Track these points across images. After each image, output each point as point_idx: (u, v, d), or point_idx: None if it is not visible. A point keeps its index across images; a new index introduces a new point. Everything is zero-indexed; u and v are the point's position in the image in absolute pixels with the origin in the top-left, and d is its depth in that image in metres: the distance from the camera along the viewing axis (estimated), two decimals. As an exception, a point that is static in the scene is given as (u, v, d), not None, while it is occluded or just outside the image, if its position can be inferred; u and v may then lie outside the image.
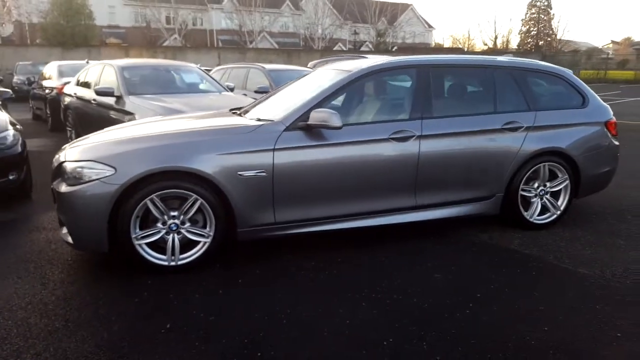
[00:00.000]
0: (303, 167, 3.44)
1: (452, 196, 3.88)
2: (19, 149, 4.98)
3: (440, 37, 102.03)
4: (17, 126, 5.31)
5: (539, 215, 4.16)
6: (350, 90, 3.80)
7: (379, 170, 3.62)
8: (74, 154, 3.38)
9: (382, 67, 3.81)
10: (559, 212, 4.20)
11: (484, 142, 3.87)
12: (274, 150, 3.35)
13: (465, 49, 48.76)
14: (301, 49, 32.82)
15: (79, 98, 7.82)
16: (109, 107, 6.60)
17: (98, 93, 6.56)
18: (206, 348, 2.45)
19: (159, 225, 3.25)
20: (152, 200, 3.16)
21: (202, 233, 3.31)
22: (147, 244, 3.24)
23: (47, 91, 10.60)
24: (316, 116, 3.37)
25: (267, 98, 4.41)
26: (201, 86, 7.32)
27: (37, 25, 27.19)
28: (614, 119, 4.42)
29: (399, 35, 43.13)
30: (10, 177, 4.82)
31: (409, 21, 45.11)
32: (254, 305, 2.87)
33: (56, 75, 10.75)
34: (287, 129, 3.42)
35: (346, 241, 3.83)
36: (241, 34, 34.51)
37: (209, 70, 9.43)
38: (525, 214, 4.09)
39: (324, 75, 4.04)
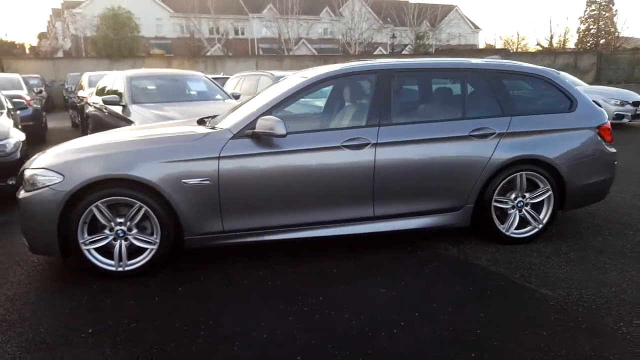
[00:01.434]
0: (250, 176, 3.38)
1: (414, 207, 3.68)
2: (18, 155, 5.22)
3: (490, 38, 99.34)
4: (20, 134, 5.56)
5: (517, 228, 3.88)
6: (301, 98, 3.69)
7: (331, 179, 3.50)
8: (34, 161, 3.48)
9: (339, 73, 3.69)
10: (540, 226, 3.90)
11: (448, 150, 3.65)
12: (219, 158, 3.31)
13: (514, 50, 46.99)
14: (338, 55, 32.79)
15: (95, 106, 8.15)
16: (116, 116, 6.83)
17: (105, 102, 6.81)
18: (113, 354, 2.43)
19: (107, 231, 3.29)
20: (97, 207, 3.20)
21: (149, 240, 3.32)
22: (97, 249, 3.29)
23: (78, 100, 11.14)
24: (262, 124, 3.30)
25: (240, 106, 4.38)
26: (205, 95, 7.43)
27: (90, 38, 28.74)
28: (608, 124, 4.07)
29: (442, 37, 42.21)
30: (9, 182, 5.06)
31: (451, 22, 44.02)
32: (181, 314, 2.84)
33: (87, 85, 11.28)
34: (234, 136, 3.37)
35: (309, 250, 3.73)
36: (280, 41, 34.98)
37: (220, 79, 9.58)
38: (500, 227, 3.83)
39: (289, 82, 3.97)
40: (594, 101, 4.24)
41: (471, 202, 3.75)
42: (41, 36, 62.33)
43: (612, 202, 5.05)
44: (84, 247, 3.24)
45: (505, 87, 3.88)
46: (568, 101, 4.00)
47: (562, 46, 46.72)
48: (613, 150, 4.10)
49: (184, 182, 3.26)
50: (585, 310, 2.85)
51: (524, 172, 3.78)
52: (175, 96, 7.17)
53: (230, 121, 3.55)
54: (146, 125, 4.58)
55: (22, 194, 3.30)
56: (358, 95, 4.07)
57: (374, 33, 39.17)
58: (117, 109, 6.83)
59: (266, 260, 3.58)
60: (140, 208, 3.24)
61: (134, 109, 6.47)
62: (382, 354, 2.42)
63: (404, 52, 37.54)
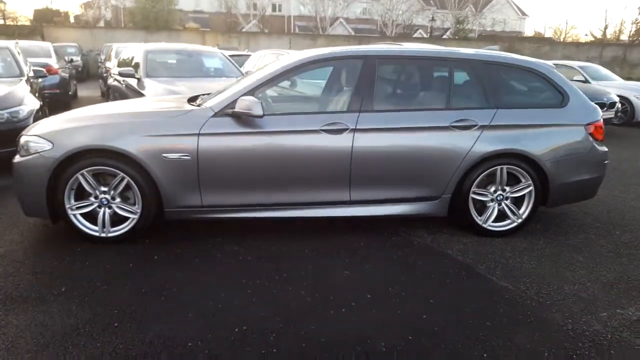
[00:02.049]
0: (229, 154, 3.50)
1: (391, 194, 3.74)
2: (31, 122, 5.49)
3: (539, 26, 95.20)
4: (35, 102, 5.84)
5: (496, 221, 3.89)
6: (290, 79, 3.77)
7: (308, 162, 3.59)
8: (30, 129, 3.71)
9: (324, 57, 3.74)
10: (519, 221, 3.89)
11: (428, 140, 3.67)
12: (198, 135, 3.44)
13: (561, 40, 45.09)
14: (373, 36, 32.33)
15: (115, 78, 8.42)
16: (132, 88, 7.06)
17: (121, 74, 7.05)
18: (77, 312, 2.64)
19: (92, 199, 3.49)
20: (83, 175, 3.40)
21: (131, 210, 3.51)
22: (84, 215, 3.51)
23: (105, 70, 11.51)
24: (241, 104, 3.41)
25: (231, 85, 4.48)
26: (220, 71, 7.57)
27: (128, 9, 29.31)
28: (600, 122, 3.98)
29: (485, 22, 40.89)
30: (23, 147, 5.36)
31: (493, 7, 42.47)
32: (150, 280, 3.02)
33: (114, 56, 11.61)
34: (215, 115, 3.49)
35: (288, 230, 3.85)
36: (316, 20, 34.74)
37: (244, 56, 9.70)
38: (477, 218, 3.84)
39: (280, 62, 4.04)
40: (620, 97, 4.14)
41: (449, 193, 3.78)
42: (86, 5, 63.93)
43: (610, 202, 4.97)
44: (70, 212, 3.46)
45: (493, 79, 3.84)
46: (560, 96, 3.93)
47: (617, 37, 44.39)
48: (604, 149, 4.02)
49: (164, 156, 3.41)
50: (538, 305, 2.88)
51: (504, 166, 3.76)
52: (190, 72, 7.34)
53: (215, 100, 3.67)
54: (141, 99, 4.76)
55: (17, 158, 3.53)
56: (343, 81, 4.11)
57: (413, 15, 38.31)
58: (133, 82, 7.06)
59: (245, 236, 3.73)
60: (122, 179, 3.43)
61: (147, 83, 6.68)
62: (322, 332, 2.54)
63: (444, 37, 36.59)
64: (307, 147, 3.58)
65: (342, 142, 3.56)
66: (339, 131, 3.56)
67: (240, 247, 3.57)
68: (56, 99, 8.87)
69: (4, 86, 5.52)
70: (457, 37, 32.92)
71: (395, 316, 2.71)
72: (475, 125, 3.70)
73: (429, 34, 37.52)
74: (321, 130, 3.54)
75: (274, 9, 40.05)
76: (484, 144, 3.70)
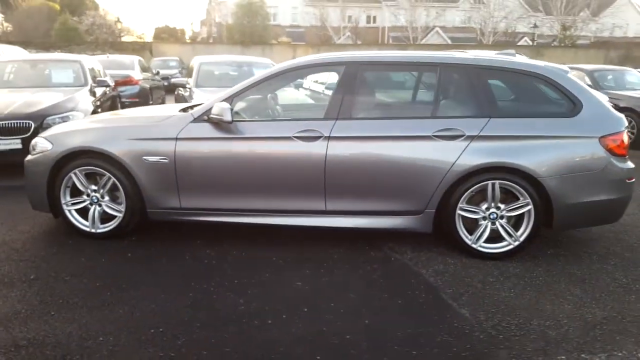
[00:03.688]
0: (204, 158, 3.58)
1: (369, 205, 3.56)
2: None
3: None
4: (88, 109, 6.43)
5: (488, 242, 3.52)
6: (269, 86, 3.76)
7: (282, 169, 3.54)
8: (45, 132, 4.11)
9: (304, 64, 3.68)
10: (516, 243, 3.48)
11: (407, 150, 3.43)
12: (176, 139, 3.57)
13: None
14: (469, 44, 31.03)
15: (178, 89, 9.04)
16: (184, 98, 7.54)
17: (174, 85, 7.55)
18: (29, 298, 2.86)
19: (84, 196, 3.77)
20: (75, 174, 3.69)
21: (117, 209, 3.73)
22: (78, 211, 3.80)
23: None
24: (215, 110, 3.48)
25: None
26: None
27: (226, 26, 31.29)
28: (621, 134, 3.44)
29: (604, 27, 37.22)
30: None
31: (613, 11, 38.50)
32: (109, 276, 3.18)
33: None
34: (194, 120, 3.60)
35: (267, 236, 3.83)
36: (411, 30, 34.23)
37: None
38: (465, 238, 3.50)
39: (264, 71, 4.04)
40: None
41: (432, 207, 3.49)
42: (202, 23, 69.69)
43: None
44: (65, 208, 3.77)
45: (487, 86, 3.50)
46: (570, 105, 3.46)
47: None
48: (627, 165, 3.47)
49: (144, 159, 3.58)
50: (486, 338, 2.55)
51: (497, 181, 3.40)
52: (238, 81, 7.60)
53: (199, 106, 3.77)
54: (142, 108, 5.06)
55: (27, 157, 3.93)
56: (325, 87, 4.01)
57: (515, 22, 36.15)
58: (186, 92, 7.53)
59: (222, 241, 3.76)
60: (109, 179, 3.66)
61: (196, 93, 7.07)
62: (230, 341, 2.48)
63: (554, 44, 33.98)
64: (280, 154, 3.54)
65: (315, 149, 3.47)
66: (313, 138, 3.47)
67: (213, 250, 3.61)
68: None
69: (60, 94, 6.19)
70: (562, 45, 30.48)
71: (315, 333, 2.56)
72: (462, 136, 3.39)
73: (532, 42, 35.12)
74: (294, 137, 3.48)
75: (368, 21, 40.22)
76: (472, 156, 3.37)
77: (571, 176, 3.39)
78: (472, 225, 3.53)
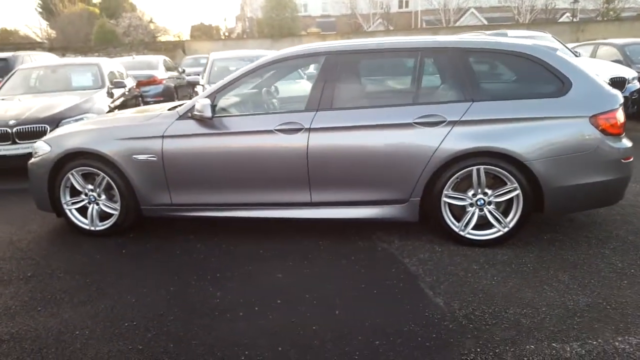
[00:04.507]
0: (190, 154, 3.65)
1: (354, 196, 3.53)
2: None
3: None
4: (102, 111, 6.66)
5: (477, 229, 3.42)
6: (251, 80, 3.77)
7: (266, 163, 3.56)
8: (47, 135, 4.31)
9: (284, 57, 3.68)
10: (505, 229, 3.37)
11: (387, 139, 3.37)
12: (163, 137, 3.65)
13: None
14: (505, 24, 29.87)
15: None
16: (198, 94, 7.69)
17: (189, 83, 7.71)
18: (22, 294, 3.02)
19: (83, 196, 3.93)
20: (72, 175, 3.85)
21: (113, 207, 3.87)
22: (78, 210, 3.97)
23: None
24: (197, 107, 3.54)
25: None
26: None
27: (256, 20, 31.49)
28: (615, 112, 3.24)
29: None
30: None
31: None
32: (96, 272, 3.30)
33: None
34: (180, 118, 3.67)
35: (265, 231, 3.87)
36: (443, 12, 33.34)
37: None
38: (453, 225, 3.42)
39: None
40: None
41: (417, 196, 3.43)
42: (237, 19, 70.64)
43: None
44: (66, 207, 3.94)
45: (470, 69, 3.38)
46: (559, 83, 3.30)
47: None
48: (622, 145, 3.28)
49: (134, 158, 3.70)
50: (456, 327, 2.50)
51: (481, 167, 3.29)
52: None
53: (185, 104, 3.84)
54: (134, 109, 5.20)
55: (31, 160, 4.13)
56: (307, 79, 3.98)
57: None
58: (200, 88, 7.67)
59: (215, 235, 3.84)
60: (103, 178, 3.80)
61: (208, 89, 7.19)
62: (198, 334, 2.54)
63: (597, 19, 32.18)
64: (263, 148, 3.56)
65: (297, 141, 3.47)
66: (294, 131, 3.47)
67: (203, 245, 3.70)
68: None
69: (77, 97, 6.45)
70: (605, 19, 28.87)
71: (284, 326, 2.58)
72: (444, 122, 3.30)
73: (572, 18, 33.44)
74: (276, 130, 3.50)
75: (400, 6, 39.45)
76: (454, 142, 3.28)
77: (561, 158, 3.24)
78: (461, 213, 3.45)
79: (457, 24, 34.45)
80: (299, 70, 5.28)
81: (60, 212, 4.01)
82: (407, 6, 39.56)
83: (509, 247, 3.41)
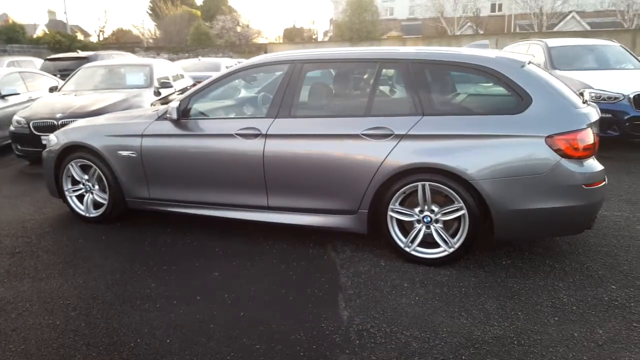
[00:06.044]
0: (162, 153, 3.93)
1: (307, 203, 3.58)
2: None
3: None
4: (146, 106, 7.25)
5: (427, 247, 3.32)
6: (222, 86, 3.95)
7: (228, 165, 3.73)
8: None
9: (252, 65, 3.81)
10: (451, 250, 3.24)
11: (337, 149, 3.38)
12: (142, 136, 3.97)
13: None
14: (607, 30, 27.39)
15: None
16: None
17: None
18: (2, 265, 3.49)
19: (81, 185, 4.38)
20: (71, 165, 4.31)
21: (104, 197, 4.27)
22: (77, 197, 4.43)
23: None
24: (169, 109, 3.81)
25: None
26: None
27: (336, 22, 31.80)
28: (578, 132, 2.98)
29: None
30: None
31: None
32: (75, 256, 3.67)
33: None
34: (158, 118, 3.97)
35: (235, 228, 4.06)
36: (536, 16, 31.34)
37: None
38: (398, 241, 3.35)
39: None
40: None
41: (365, 208, 3.41)
42: (330, 22, 72.07)
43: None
44: (67, 194, 4.42)
45: (424, 81, 3.28)
46: (518, 99, 3.10)
47: None
48: (585, 169, 3.01)
49: (119, 153, 4.06)
50: (341, 342, 2.49)
51: (427, 183, 3.20)
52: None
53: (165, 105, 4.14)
54: (138, 109, 5.59)
55: (44, 150, 4.66)
56: (269, 86, 4.06)
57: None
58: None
59: (188, 230, 4.08)
60: (95, 170, 4.21)
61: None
62: (111, 324, 2.77)
63: None
64: (225, 151, 3.74)
65: (254, 147, 3.61)
66: (252, 136, 3.61)
67: (170, 238, 3.95)
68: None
69: (122, 94, 7.10)
70: None
71: (187, 320, 2.74)
72: (390, 135, 3.25)
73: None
74: (236, 134, 3.66)
75: (492, 9, 37.68)
76: (399, 156, 3.22)
77: (512, 180, 3.05)
78: (412, 228, 3.37)
79: (556, 29, 32.27)
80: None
81: (64, 199, 4.49)
82: (500, 10, 37.70)
83: (456, 268, 3.27)
